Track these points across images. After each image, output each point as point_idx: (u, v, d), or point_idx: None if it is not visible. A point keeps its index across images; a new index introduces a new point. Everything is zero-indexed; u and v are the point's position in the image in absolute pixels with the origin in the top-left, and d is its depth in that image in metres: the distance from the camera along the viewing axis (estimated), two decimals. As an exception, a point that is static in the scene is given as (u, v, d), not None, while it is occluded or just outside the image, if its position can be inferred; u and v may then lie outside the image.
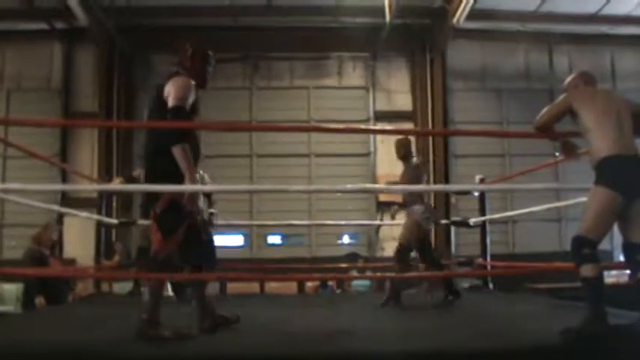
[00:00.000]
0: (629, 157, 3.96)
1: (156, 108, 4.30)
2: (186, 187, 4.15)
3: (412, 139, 7.68)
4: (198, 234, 4.42)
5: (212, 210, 7.94)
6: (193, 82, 4.35)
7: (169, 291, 8.88)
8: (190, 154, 4.12)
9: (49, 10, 13.53)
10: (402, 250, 6.75)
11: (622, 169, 3.94)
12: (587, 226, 3.96)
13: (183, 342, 4.00)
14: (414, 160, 6.99)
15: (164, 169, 4.13)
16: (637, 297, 4.28)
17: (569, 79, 4.56)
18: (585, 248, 3.91)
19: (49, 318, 5.82)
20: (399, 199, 7.35)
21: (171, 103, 4.13)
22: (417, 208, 6.68)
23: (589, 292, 3.90)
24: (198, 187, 4.18)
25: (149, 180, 4.30)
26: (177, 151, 4.05)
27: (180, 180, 4.10)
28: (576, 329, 3.77)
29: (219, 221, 8.09)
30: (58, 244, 10.30)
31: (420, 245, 6.75)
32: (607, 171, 3.97)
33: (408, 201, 6.80)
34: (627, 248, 4.07)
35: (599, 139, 4.04)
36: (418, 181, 6.72)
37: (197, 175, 7.15)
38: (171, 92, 4.18)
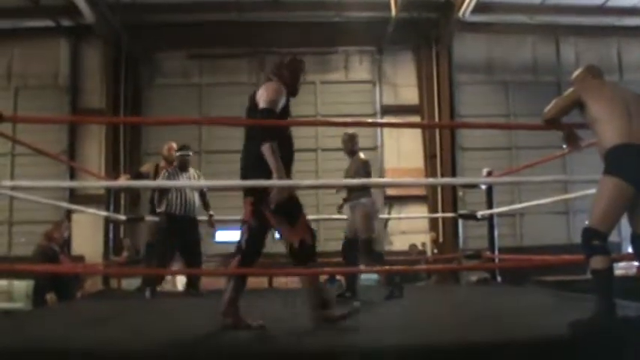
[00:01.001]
0: (637, 146, 3.93)
1: (250, 112, 4.57)
2: (188, 182, 4.22)
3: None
4: None
5: (211, 212, 7.99)
6: (284, 88, 4.52)
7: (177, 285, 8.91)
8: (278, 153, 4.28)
9: (55, 7, 13.58)
10: (369, 243, 6.83)
11: (631, 157, 3.91)
12: (597, 217, 3.94)
13: (188, 337, 4.03)
14: (361, 155, 7.05)
15: (258, 167, 4.36)
16: None
17: (576, 72, 4.55)
18: (595, 240, 3.89)
19: (61, 314, 5.86)
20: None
21: (261, 105, 4.36)
22: (366, 200, 6.78)
23: (599, 284, 3.89)
24: (210, 183, 4.19)
25: (244, 178, 4.58)
26: (266, 149, 4.26)
27: (271, 177, 4.28)
28: (586, 321, 3.77)
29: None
30: (68, 242, 10.31)
31: (370, 240, 6.88)
32: (616, 160, 3.94)
33: (356, 195, 6.86)
34: (636, 240, 4.05)
35: (608, 128, 4.02)
36: (368, 175, 6.84)
37: (186, 174, 7.27)
38: (262, 96, 4.41)
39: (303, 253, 4.44)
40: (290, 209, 4.40)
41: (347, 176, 6.94)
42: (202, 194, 7.86)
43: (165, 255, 7.53)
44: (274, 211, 4.34)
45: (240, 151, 4.63)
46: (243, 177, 4.61)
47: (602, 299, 3.82)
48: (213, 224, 8.21)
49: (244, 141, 4.66)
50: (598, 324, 3.74)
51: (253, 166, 4.44)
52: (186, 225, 7.56)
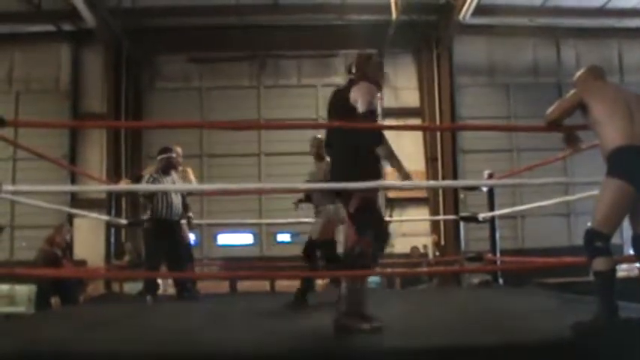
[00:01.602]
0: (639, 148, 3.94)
1: (342, 112, 4.52)
2: (189, 186, 4.22)
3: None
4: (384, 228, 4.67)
5: (190, 214, 8.00)
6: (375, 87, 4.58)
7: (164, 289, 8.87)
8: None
9: (57, 12, 13.62)
10: (311, 247, 6.79)
11: (634, 159, 3.92)
12: (599, 218, 3.95)
13: (192, 341, 4.03)
14: (327, 159, 7.00)
15: (360, 168, 4.37)
16: None
17: (578, 73, 4.55)
18: (598, 241, 3.89)
19: (64, 318, 5.86)
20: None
21: (362, 108, 4.37)
22: (330, 207, 6.76)
23: (601, 285, 3.89)
24: (233, 186, 4.20)
25: (339, 178, 4.49)
26: (382, 151, 4.45)
27: (372, 178, 4.34)
28: (588, 323, 3.77)
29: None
30: (70, 246, 10.30)
31: (328, 243, 6.81)
32: (618, 162, 3.94)
33: (323, 199, 6.84)
34: (637, 240, 4.05)
35: (610, 130, 4.03)
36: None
37: (169, 178, 7.31)
38: (358, 98, 4.42)
39: (358, 262, 4.40)
40: (366, 218, 4.37)
41: (315, 180, 6.82)
42: (182, 196, 7.82)
43: (156, 260, 7.50)
44: (353, 213, 4.37)
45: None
46: (336, 179, 4.54)
47: (604, 301, 3.82)
48: (192, 227, 8.20)
49: (334, 142, 4.64)
50: (600, 326, 3.74)
51: (347, 169, 4.45)
52: (171, 228, 7.53)
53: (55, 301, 7.48)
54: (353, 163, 4.37)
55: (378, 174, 4.41)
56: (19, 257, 13.27)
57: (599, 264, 3.84)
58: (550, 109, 4.44)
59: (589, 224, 3.97)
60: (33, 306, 8.44)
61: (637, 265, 7.88)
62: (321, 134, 7.01)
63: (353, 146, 4.39)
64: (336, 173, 4.56)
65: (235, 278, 10.35)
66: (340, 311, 4.26)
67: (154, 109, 14.74)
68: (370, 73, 4.61)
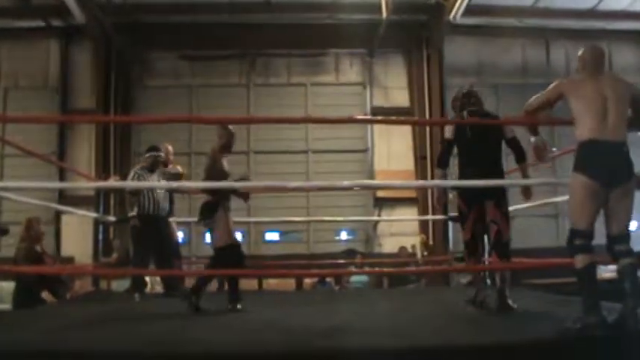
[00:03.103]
0: (605, 143, 3.97)
1: (498, 136, 6.27)
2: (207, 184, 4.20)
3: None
4: None
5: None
6: None
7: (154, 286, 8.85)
8: None
9: (46, 7, 13.53)
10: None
11: (595, 154, 3.97)
12: (571, 216, 4.09)
13: (180, 339, 4.02)
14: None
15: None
16: (620, 287, 4.25)
17: (580, 52, 4.60)
18: (576, 239, 3.96)
19: (50, 316, 5.83)
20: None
21: (512, 134, 6.33)
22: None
23: (580, 283, 3.95)
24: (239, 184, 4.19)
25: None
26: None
27: None
28: (571, 322, 3.80)
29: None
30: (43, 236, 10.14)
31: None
32: (581, 157, 4.04)
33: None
34: (607, 239, 4.11)
35: (580, 126, 4.11)
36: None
37: (154, 175, 7.39)
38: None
39: (508, 248, 5.70)
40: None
41: (244, 177, 6.76)
42: (170, 193, 7.84)
43: (144, 257, 7.49)
44: (506, 212, 5.99)
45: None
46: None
47: (585, 298, 3.88)
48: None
49: (487, 152, 6.20)
50: (583, 324, 3.78)
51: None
52: (158, 224, 7.52)
53: (46, 295, 7.44)
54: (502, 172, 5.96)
55: None
56: (5, 254, 13.18)
57: (577, 262, 3.93)
58: (531, 99, 4.53)
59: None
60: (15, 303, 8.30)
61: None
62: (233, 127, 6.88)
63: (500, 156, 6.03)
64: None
65: (223, 277, 10.32)
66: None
67: (144, 106, 14.67)
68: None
